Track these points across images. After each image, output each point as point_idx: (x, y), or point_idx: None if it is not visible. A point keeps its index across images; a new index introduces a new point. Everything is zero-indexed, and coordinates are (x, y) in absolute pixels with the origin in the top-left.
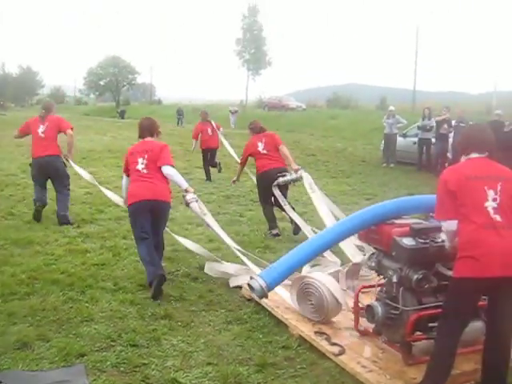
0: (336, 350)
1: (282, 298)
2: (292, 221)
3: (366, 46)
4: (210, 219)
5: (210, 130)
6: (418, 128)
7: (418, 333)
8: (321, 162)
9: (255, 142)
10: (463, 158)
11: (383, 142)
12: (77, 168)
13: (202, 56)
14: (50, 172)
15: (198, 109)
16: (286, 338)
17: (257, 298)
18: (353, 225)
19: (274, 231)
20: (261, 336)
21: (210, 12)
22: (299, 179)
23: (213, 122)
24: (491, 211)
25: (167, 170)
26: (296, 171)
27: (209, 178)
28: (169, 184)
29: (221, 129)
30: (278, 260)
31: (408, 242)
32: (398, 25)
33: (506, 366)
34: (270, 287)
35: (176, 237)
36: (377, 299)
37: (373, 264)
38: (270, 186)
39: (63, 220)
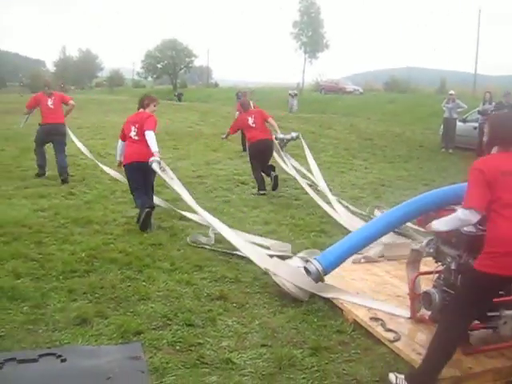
0: (391, 336)
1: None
2: (272, 178)
3: (426, 27)
4: (176, 185)
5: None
6: (479, 113)
7: (476, 322)
8: (378, 146)
9: (245, 117)
10: (494, 150)
11: (442, 126)
12: (72, 136)
13: (259, 39)
14: (56, 135)
15: (256, 92)
16: (340, 322)
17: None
18: (410, 210)
19: (262, 191)
20: (315, 320)
21: None
22: (296, 138)
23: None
24: None
25: (147, 133)
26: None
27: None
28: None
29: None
30: (334, 244)
31: (468, 228)
32: (459, 6)
33: None
34: (327, 271)
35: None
36: (434, 286)
37: (431, 250)
38: (259, 153)
39: (66, 175)
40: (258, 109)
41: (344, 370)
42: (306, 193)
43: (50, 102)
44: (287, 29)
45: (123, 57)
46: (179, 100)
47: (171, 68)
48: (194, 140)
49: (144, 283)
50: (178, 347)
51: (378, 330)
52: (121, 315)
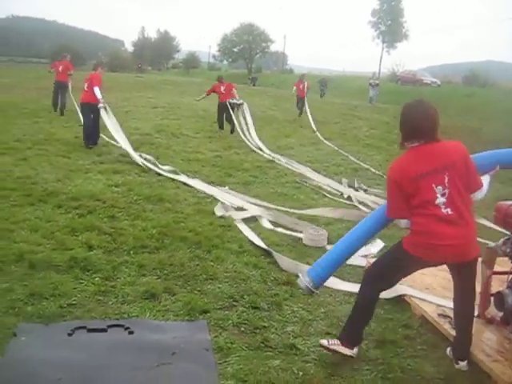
0: None
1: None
2: (232, 125)
3: (507, 21)
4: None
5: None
6: None
7: None
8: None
9: (219, 86)
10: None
11: None
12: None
13: (336, 26)
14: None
15: (331, 80)
16: (407, 316)
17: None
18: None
19: (222, 130)
20: (382, 312)
21: None
22: (241, 104)
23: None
24: (442, 206)
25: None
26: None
27: None
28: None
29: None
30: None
31: None
32: None
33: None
34: (316, 284)
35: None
36: (508, 287)
37: (508, 250)
38: (223, 108)
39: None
40: (227, 82)
41: (409, 365)
42: (378, 184)
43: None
44: (366, 17)
45: (200, 40)
46: (253, 84)
47: (247, 52)
48: (267, 125)
49: (212, 263)
50: (242, 329)
51: (446, 327)
52: (188, 293)
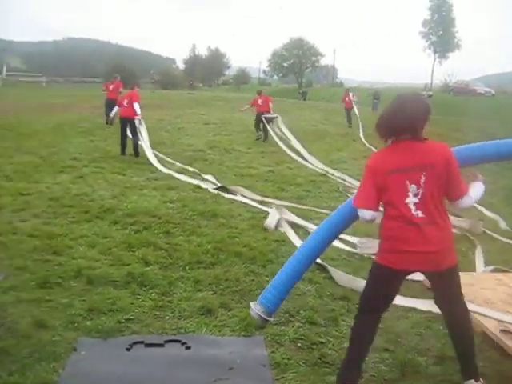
0: None
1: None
2: (264, 132)
3: None
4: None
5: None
6: None
7: None
8: None
9: (258, 98)
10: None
11: None
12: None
13: (386, 38)
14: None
15: (382, 93)
16: None
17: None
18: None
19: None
20: (440, 327)
21: None
22: (276, 118)
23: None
24: (412, 207)
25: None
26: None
27: None
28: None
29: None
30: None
31: None
32: None
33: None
34: (269, 311)
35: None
36: None
37: None
38: (259, 118)
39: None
40: (265, 95)
41: None
42: None
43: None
44: (416, 28)
45: (250, 56)
46: (304, 99)
47: (297, 67)
48: (318, 139)
49: (267, 278)
50: (299, 344)
51: (509, 343)
52: (244, 308)
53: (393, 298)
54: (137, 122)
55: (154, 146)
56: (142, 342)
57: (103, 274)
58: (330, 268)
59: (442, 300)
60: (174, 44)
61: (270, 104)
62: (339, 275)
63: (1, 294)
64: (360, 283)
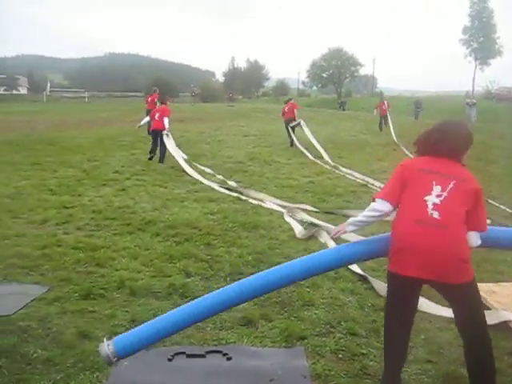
0: None
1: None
2: (291, 140)
3: None
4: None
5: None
6: None
7: None
8: None
9: (284, 107)
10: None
11: None
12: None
13: (426, 46)
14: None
15: (422, 101)
16: None
17: None
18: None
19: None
20: None
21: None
22: (299, 123)
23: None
24: (430, 206)
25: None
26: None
27: None
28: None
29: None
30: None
31: None
32: None
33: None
34: (119, 355)
35: None
36: None
37: None
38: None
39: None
40: (292, 102)
41: None
42: None
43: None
44: (457, 35)
45: (289, 67)
46: (343, 109)
47: (336, 77)
48: (359, 149)
49: (308, 289)
50: (340, 355)
51: None
52: (285, 319)
53: (414, 307)
54: (164, 135)
55: (195, 159)
56: (183, 353)
57: (145, 285)
58: (370, 278)
59: (456, 320)
60: (213, 57)
61: (295, 111)
62: (381, 285)
63: (46, 306)
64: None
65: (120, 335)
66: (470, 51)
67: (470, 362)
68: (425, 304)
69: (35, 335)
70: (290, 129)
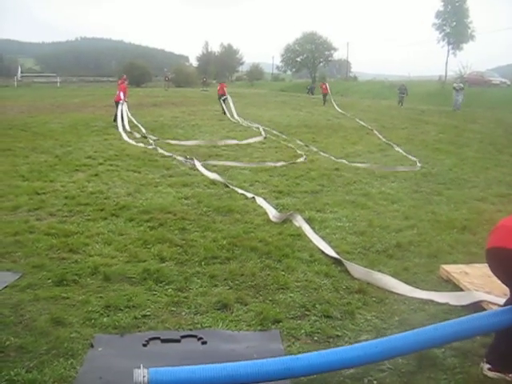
0: None
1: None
2: (223, 110)
3: None
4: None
5: None
6: None
7: None
8: None
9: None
10: None
11: None
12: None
13: (399, 31)
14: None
15: (395, 85)
16: None
17: None
18: None
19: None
20: None
21: None
22: (226, 98)
23: None
24: None
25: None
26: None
27: None
28: None
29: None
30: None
31: None
32: None
33: None
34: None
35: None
36: None
37: None
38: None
39: None
40: (222, 83)
41: None
42: (449, 188)
43: (218, 87)
44: (430, 19)
45: (263, 51)
46: (311, 93)
47: (310, 61)
48: (334, 133)
49: (283, 273)
50: (315, 338)
51: None
52: (260, 303)
53: None
54: (120, 103)
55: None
56: (158, 338)
57: (119, 270)
58: (345, 261)
59: None
60: (186, 41)
61: (225, 89)
62: (355, 268)
63: (18, 293)
64: (376, 276)
65: (157, 369)
66: (443, 36)
67: None
68: (400, 286)
69: (7, 322)
70: (221, 101)
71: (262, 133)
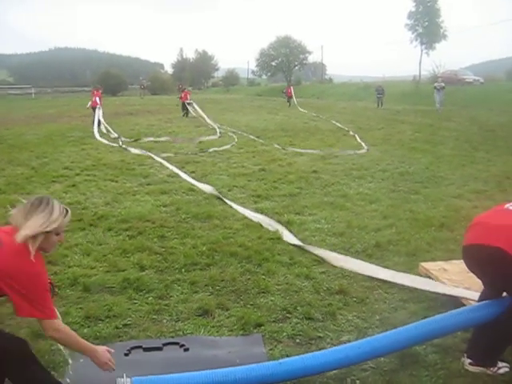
0: None
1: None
2: (185, 113)
3: None
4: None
5: None
6: None
7: None
8: (501, 138)
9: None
10: None
11: None
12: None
13: (372, 32)
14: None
15: (371, 86)
16: None
17: None
18: None
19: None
20: None
21: None
22: (191, 103)
23: None
24: None
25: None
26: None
27: None
28: None
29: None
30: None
31: None
32: None
33: None
34: None
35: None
36: None
37: None
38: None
39: None
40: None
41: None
42: (426, 187)
43: (183, 95)
44: (402, 20)
45: (239, 56)
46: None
47: (285, 65)
48: (310, 136)
49: (263, 276)
50: (298, 340)
51: None
52: (241, 307)
53: None
54: (96, 108)
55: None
56: (140, 347)
57: (99, 280)
58: (308, 247)
59: None
60: (162, 49)
61: (189, 96)
62: (334, 256)
63: None
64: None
65: (141, 378)
66: (416, 36)
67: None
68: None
69: None
70: (186, 105)
71: (218, 131)
